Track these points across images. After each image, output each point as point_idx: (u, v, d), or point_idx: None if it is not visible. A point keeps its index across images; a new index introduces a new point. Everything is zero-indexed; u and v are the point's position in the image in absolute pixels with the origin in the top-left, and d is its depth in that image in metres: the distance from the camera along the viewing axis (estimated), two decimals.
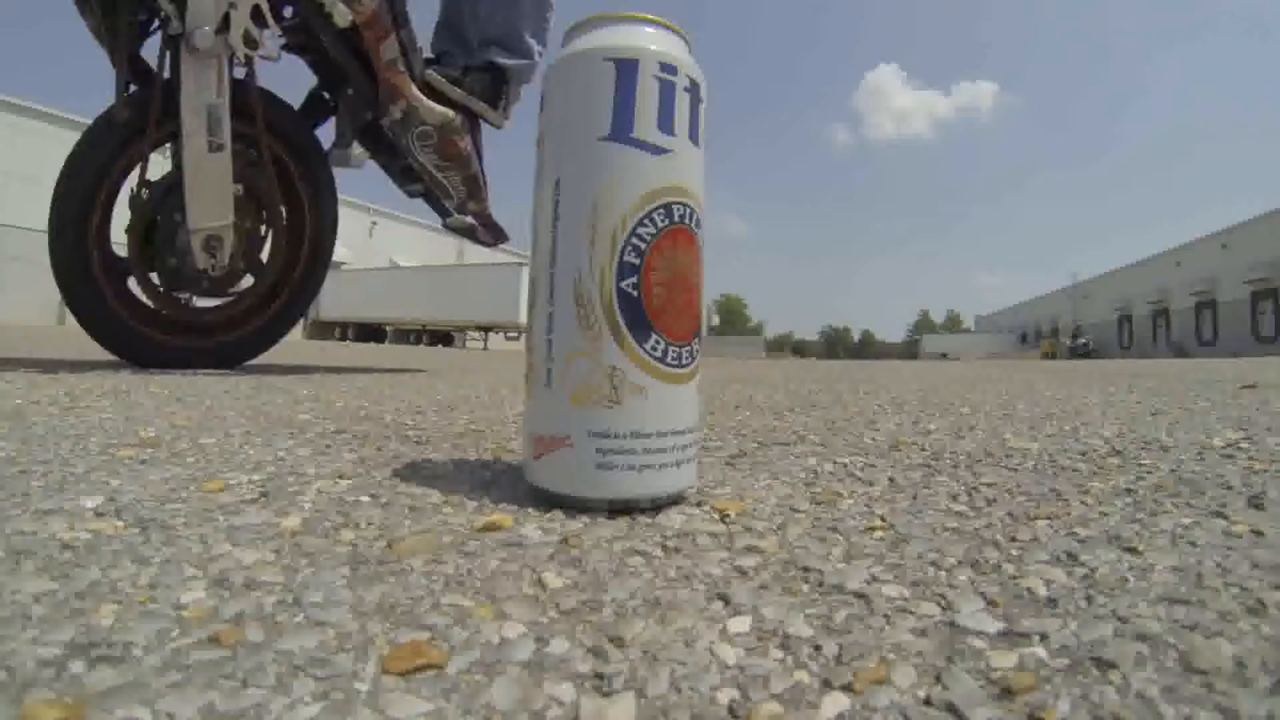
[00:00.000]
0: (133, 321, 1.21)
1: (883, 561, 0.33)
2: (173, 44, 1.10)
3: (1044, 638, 0.25)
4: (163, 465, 0.50)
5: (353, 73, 1.23)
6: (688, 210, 0.41)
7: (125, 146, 1.15)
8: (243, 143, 1.19)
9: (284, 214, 1.28)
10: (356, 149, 1.35)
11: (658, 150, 0.40)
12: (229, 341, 1.32)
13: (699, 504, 0.44)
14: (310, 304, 1.45)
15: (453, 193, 1.40)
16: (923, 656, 0.24)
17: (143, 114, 1.13)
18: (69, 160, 1.15)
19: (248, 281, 1.29)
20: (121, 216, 1.19)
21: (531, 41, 1.44)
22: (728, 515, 0.41)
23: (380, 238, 18.73)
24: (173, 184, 1.14)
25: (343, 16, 1.16)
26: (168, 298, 1.23)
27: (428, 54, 1.38)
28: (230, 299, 1.27)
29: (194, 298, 1.23)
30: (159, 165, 1.21)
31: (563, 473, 0.41)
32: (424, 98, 1.27)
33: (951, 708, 0.20)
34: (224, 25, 1.09)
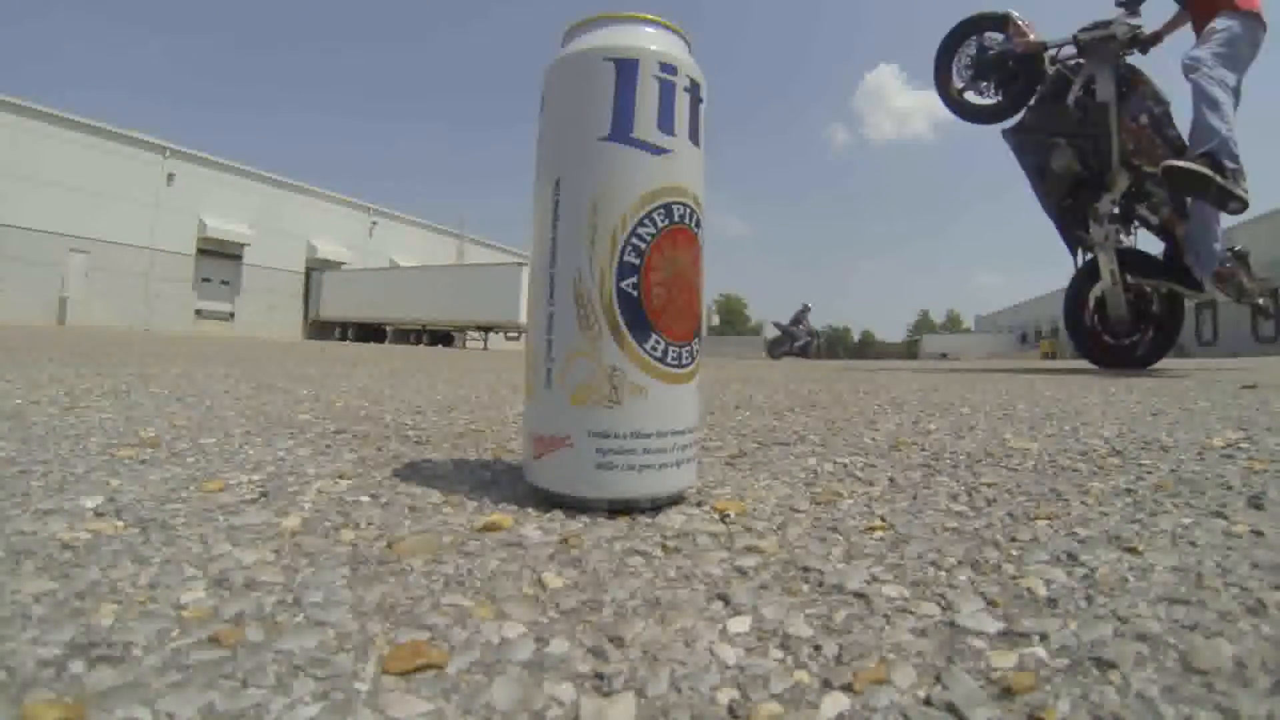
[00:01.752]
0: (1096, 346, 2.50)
1: (883, 561, 0.33)
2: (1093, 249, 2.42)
3: (1044, 638, 0.25)
4: (163, 465, 0.50)
5: (1167, 240, 2.41)
6: (688, 210, 0.41)
7: (1092, 281, 2.46)
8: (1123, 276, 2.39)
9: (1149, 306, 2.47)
10: None
11: (658, 150, 0.40)
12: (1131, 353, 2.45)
13: (699, 504, 0.44)
14: (1168, 345, 2.45)
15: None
16: (923, 656, 0.24)
17: (1090, 273, 2.48)
18: (1073, 283, 2.52)
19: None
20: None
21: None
22: (728, 515, 0.41)
23: (380, 238, 18.72)
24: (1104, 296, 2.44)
25: (1153, 220, 2.38)
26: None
27: None
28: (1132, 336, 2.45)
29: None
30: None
31: (563, 473, 0.41)
32: None
33: (951, 708, 0.20)
34: (1105, 239, 2.34)
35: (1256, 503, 0.44)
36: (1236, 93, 2.08)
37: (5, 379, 1.09)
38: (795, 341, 10.13)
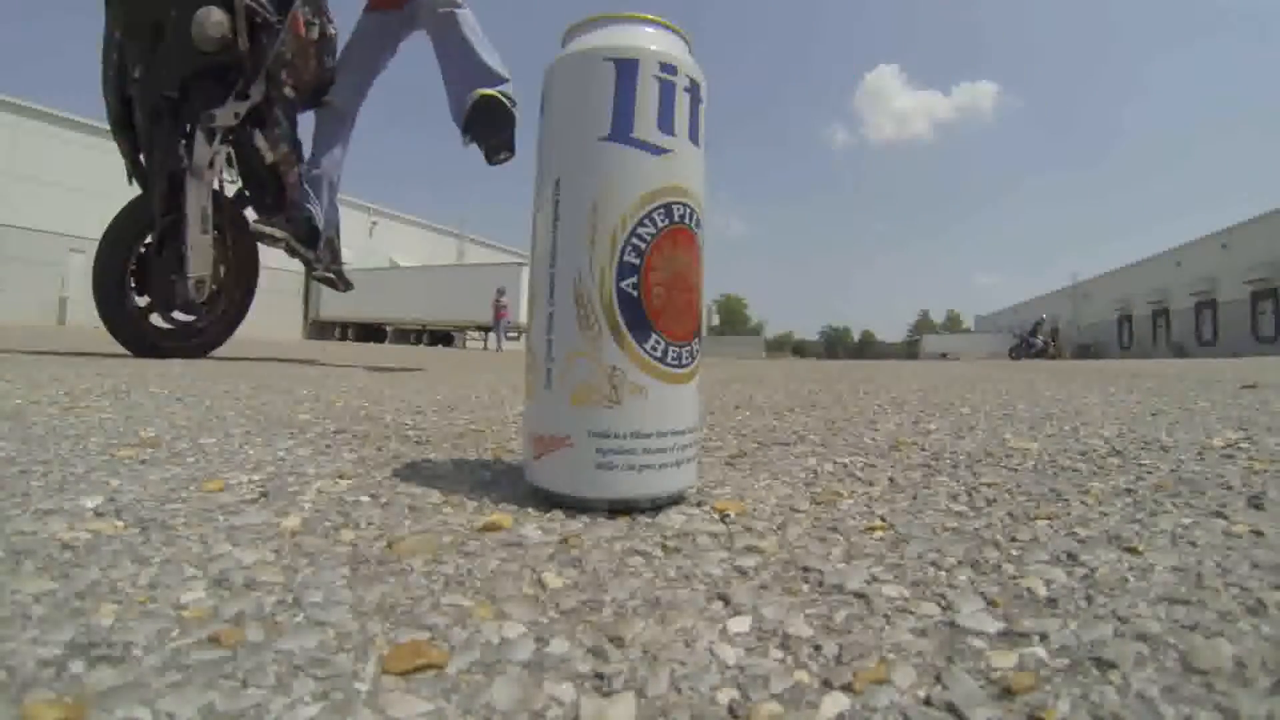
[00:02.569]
0: (142, 325, 1.87)
1: (883, 561, 0.33)
2: (181, 174, 1.76)
3: (1044, 638, 0.25)
4: (163, 465, 0.50)
5: (272, 187, 1.95)
6: (688, 210, 0.41)
7: (142, 228, 1.81)
8: (216, 225, 1.84)
9: (234, 269, 1.97)
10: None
11: (658, 150, 0.40)
12: (199, 337, 1.96)
13: (699, 504, 0.44)
14: (244, 315, 2.05)
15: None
16: (923, 656, 0.24)
17: (164, 210, 1.77)
18: (111, 228, 1.79)
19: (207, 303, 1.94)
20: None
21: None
22: (728, 515, 0.41)
23: (380, 238, 18.72)
24: (180, 250, 1.78)
25: (269, 156, 1.89)
26: (165, 314, 1.90)
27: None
28: (200, 314, 1.93)
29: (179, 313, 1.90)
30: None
31: (563, 473, 0.41)
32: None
33: (951, 708, 0.20)
34: (210, 164, 1.76)
35: (1256, 503, 0.44)
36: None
37: (5, 379, 1.09)
38: (1032, 348, 13.14)
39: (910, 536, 0.37)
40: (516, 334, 12.52)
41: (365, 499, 0.43)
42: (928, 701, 0.21)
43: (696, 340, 0.43)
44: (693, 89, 0.42)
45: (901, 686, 0.22)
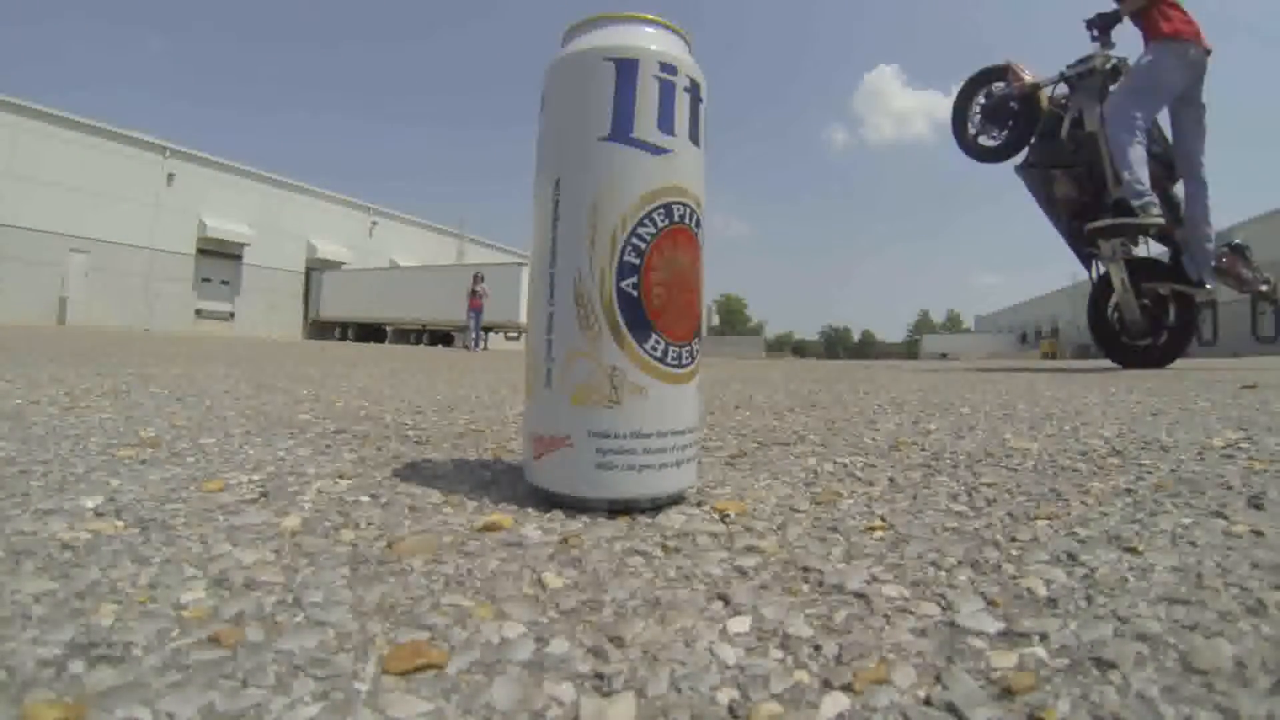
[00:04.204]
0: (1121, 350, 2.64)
1: (883, 561, 0.33)
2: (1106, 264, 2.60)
3: (1044, 638, 0.25)
4: (163, 465, 0.50)
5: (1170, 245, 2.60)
6: (688, 210, 0.41)
7: (1108, 293, 2.63)
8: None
9: (1161, 311, 2.62)
10: None
11: (658, 150, 0.40)
12: (1146, 354, 2.59)
13: (699, 504, 0.44)
14: (1184, 345, 2.59)
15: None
16: (923, 656, 0.24)
17: (1105, 285, 2.64)
18: (1093, 294, 2.67)
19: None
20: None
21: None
22: (728, 515, 0.41)
23: (380, 238, 18.71)
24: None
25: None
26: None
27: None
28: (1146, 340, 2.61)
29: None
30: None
31: (563, 473, 0.41)
32: None
33: (951, 708, 0.20)
34: (1113, 254, 2.51)
35: (1256, 503, 0.44)
36: (1168, 109, 2.35)
37: (5, 379, 1.09)
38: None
39: (910, 536, 0.37)
40: (517, 334, 12.51)
41: (365, 499, 0.43)
42: (928, 701, 0.21)
43: (696, 340, 0.43)
44: (693, 89, 0.42)
45: (901, 686, 0.22)
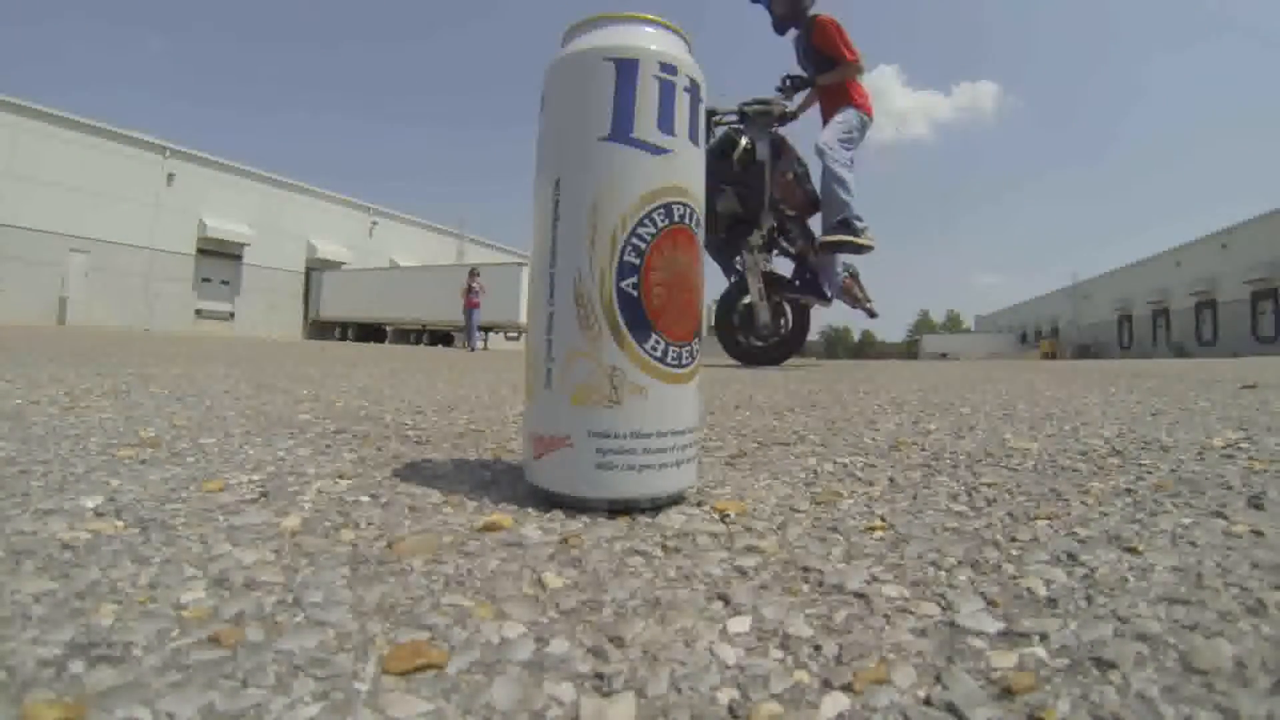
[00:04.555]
0: (741, 347, 3.04)
1: (883, 561, 0.33)
2: (743, 274, 2.93)
3: (1044, 638, 0.25)
4: (163, 465, 0.50)
5: (800, 268, 3.06)
6: (688, 210, 0.41)
7: (739, 298, 3.00)
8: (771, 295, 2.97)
9: (784, 318, 3.07)
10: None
11: (658, 150, 0.40)
12: (771, 354, 3.04)
13: (699, 504, 0.44)
14: (798, 346, 3.15)
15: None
16: (923, 656, 0.24)
17: (739, 289, 2.98)
18: (721, 300, 3.04)
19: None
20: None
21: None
22: (728, 515, 0.41)
23: (380, 238, 18.71)
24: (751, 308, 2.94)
25: (792, 250, 3.03)
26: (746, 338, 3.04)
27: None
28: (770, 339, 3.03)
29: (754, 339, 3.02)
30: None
31: (563, 473, 0.41)
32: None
33: (951, 708, 0.20)
34: (755, 265, 2.87)
35: (1256, 503, 0.44)
36: (851, 163, 2.89)
37: (5, 379, 1.09)
38: None
39: (910, 536, 0.37)
40: (517, 334, 12.49)
41: (365, 499, 0.43)
42: (928, 701, 0.21)
43: (696, 340, 0.43)
44: (693, 89, 0.42)
45: (901, 686, 0.22)
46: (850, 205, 2.81)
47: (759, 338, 3.02)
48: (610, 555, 0.33)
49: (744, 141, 2.90)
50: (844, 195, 2.81)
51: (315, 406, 0.93)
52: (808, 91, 3.06)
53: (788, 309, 3.08)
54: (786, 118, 2.99)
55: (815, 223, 3.02)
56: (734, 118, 2.97)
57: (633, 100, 0.40)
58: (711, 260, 3.06)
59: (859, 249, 2.84)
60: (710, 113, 2.90)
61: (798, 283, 3.07)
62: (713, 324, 3.15)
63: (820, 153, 2.87)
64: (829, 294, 3.02)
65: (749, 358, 3.05)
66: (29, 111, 12.20)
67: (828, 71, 2.94)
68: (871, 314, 3.29)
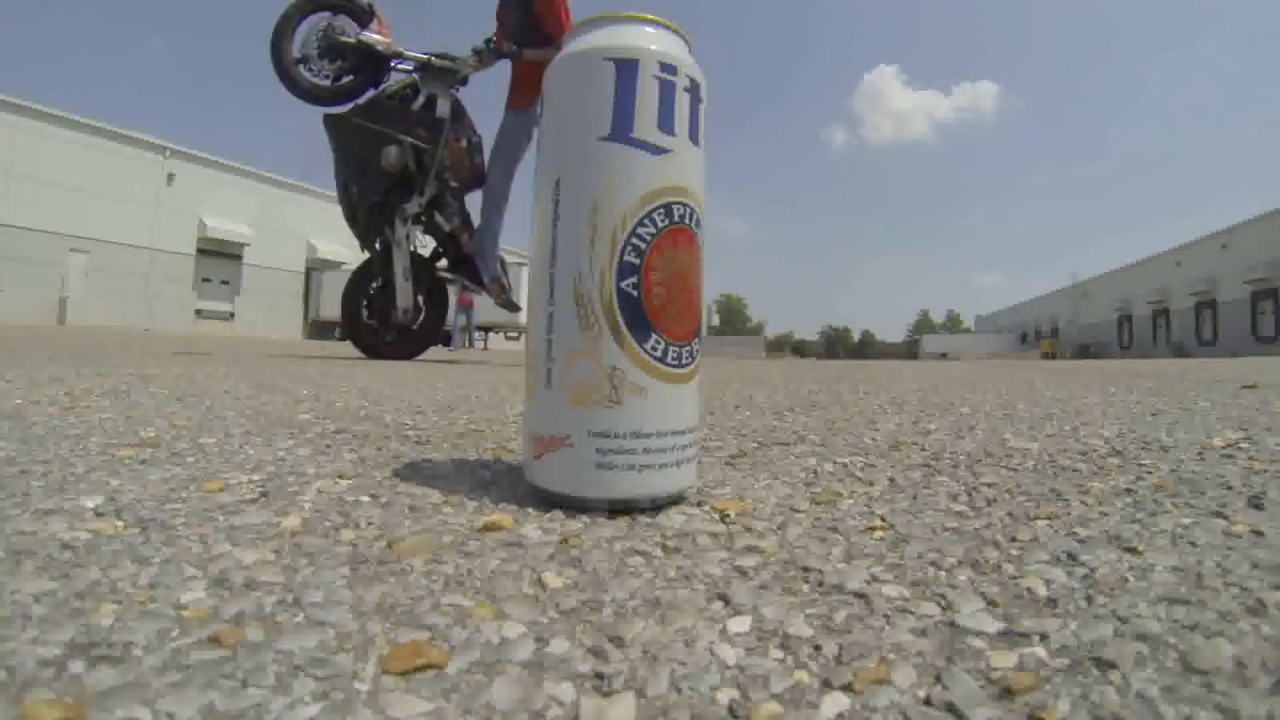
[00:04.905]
0: (371, 336, 2.73)
1: (883, 561, 0.33)
2: (389, 246, 2.59)
3: (1044, 638, 0.25)
4: (163, 465, 0.50)
5: (453, 248, 2.77)
6: (688, 210, 0.41)
7: (371, 277, 2.69)
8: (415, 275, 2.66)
9: (429, 302, 2.78)
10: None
11: (658, 150, 0.40)
12: (409, 345, 2.76)
13: (699, 504, 0.44)
14: (439, 330, 2.87)
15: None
16: (923, 656, 0.24)
17: (383, 267, 2.64)
18: (351, 279, 2.71)
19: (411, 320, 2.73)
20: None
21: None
22: (728, 515, 0.41)
23: None
24: (390, 290, 2.62)
25: (446, 227, 2.72)
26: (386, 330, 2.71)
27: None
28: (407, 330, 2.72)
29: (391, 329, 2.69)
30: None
31: (563, 473, 0.41)
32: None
33: (951, 708, 0.20)
34: (406, 238, 2.56)
35: (1256, 503, 0.44)
36: (512, 174, 2.69)
37: (5, 379, 1.09)
38: None
39: (910, 536, 0.37)
40: (517, 334, 12.47)
41: (365, 499, 0.43)
42: (928, 701, 0.21)
43: (696, 340, 0.43)
44: (693, 89, 0.42)
45: (901, 686, 0.22)
46: (493, 266, 2.69)
47: (395, 326, 2.62)
48: (610, 555, 0.33)
49: (424, 94, 2.54)
50: (490, 257, 2.67)
51: (315, 406, 0.93)
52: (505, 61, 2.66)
53: (421, 298, 2.71)
54: (464, 81, 2.67)
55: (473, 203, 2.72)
56: (413, 66, 2.60)
57: (633, 100, 0.40)
58: (349, 227, 2.66)
59: (509, 305, 2.82)
60: (397, 53, 2.57)
61: (454, 266, 2.74)
62: (342, 305, 2.71)
63: (499, 196, 2.67)
64: (484, 277, 2.72)
65: (376, 349, 2.67)
66: (29, 111, 12.20)
67: (537, 47, 2.52)
68: (513, 307, 2.94)
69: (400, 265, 2.55)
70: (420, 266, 2.70)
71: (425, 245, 2.80)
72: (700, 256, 0.43)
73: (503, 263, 2.84)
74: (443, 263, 2.82)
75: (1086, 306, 25.94)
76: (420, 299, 2.72)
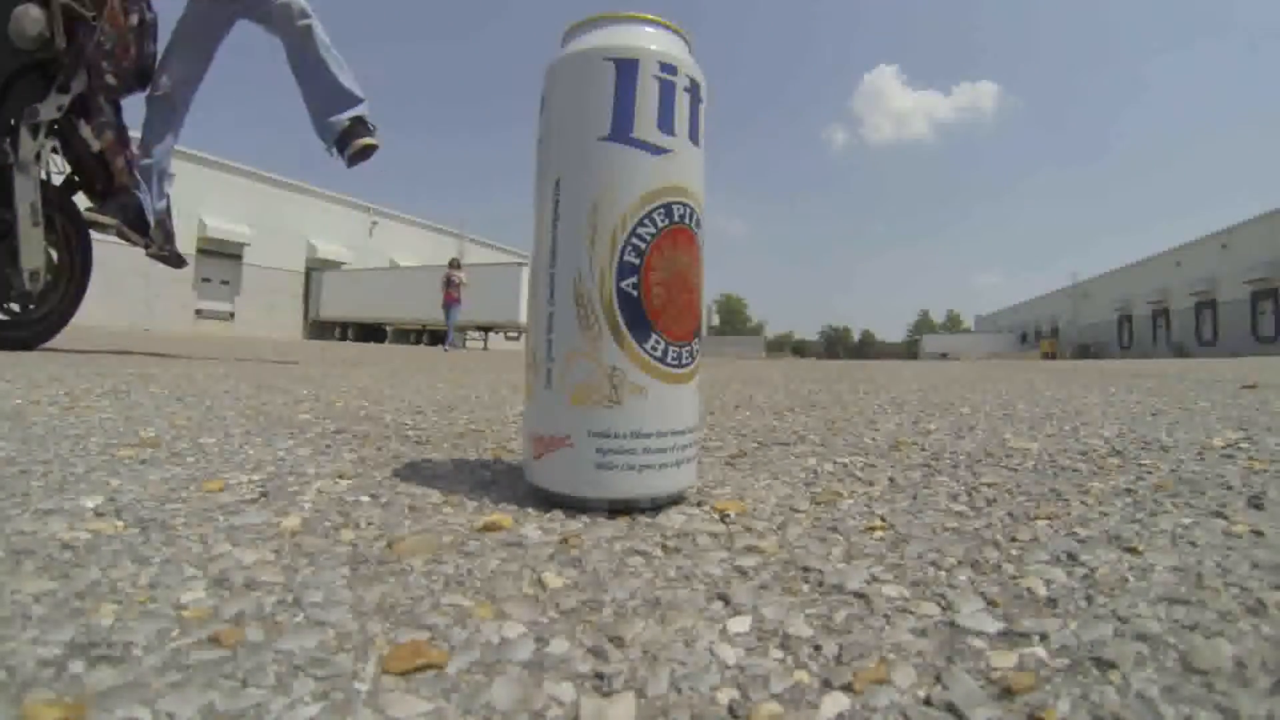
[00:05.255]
0: None
1: (883, 561, 0.33)
2: (8, 170, 1.70)
3: (1044, 638, 0.25)
4: (163, 465, 0.50)
5: (101, 175, 1.93)
6: (688, 210, 0.41)
7: None
8: (47, 216, 1.82)
9: (68, 256, 1.96)
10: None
11: (658, 150, 0.40)
12: (35, 327, 1.90)
13: (699, 504, 0.44)
14: (78, 304, 2.00)
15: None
16: (923, 656, 0.24)
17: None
18: None
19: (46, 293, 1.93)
20: None
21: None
22: (728, 515, 0.41)
23: (380, 238, 18.71)
24: (10, 241, 1.75)
25: (95, 144, 1.87)
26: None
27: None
28: (36, 305, 1.89)
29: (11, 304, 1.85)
30: None
31: (563, 473, 0.41)
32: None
33: (951, 708, 0.20)
34: (37, 158, 1.73)
35: (1256, 503, 0.44)
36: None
37: (5, 379, 1.09)
38: None
39: (910, 536, 0.37)
40: (517, 334, 12.48)
41: (365, 499, 0.43)
42: (928, 701, 0.21)
43: (696, 340, 0.43)
44: (693, 89, 0.42)
45: (901, 686, 0.22)
46: (359, 96, 1.95)
47: (20, 296, 1.74)
48: (610, 555, 0.33)
49: None
50: (347, 81, 1.95)
51: (315, 406, 0.93)
52: None
53: (54, 252, 1.83)
54: None
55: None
56: None
57: (633, 100, 0.40)
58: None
59: (367, 152, 1.98)
60: None
61: (101, 201, 1.89)
62: None
63: (299, 13, 1.93)
64: (152, 222, 1.97)
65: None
66: None
67: None
68: (178, 261, 2.18)
69: (25, 202, 1.65)
70: (57, 205, 1.83)
71: (59, 170, 1.89)
72: (700, 256, 0.43)
73: (168, 203, 2.09)
74: (83, 198, 1.93)
75: (1086, 306, 25.94)
76: (53, 254, 1.84)
